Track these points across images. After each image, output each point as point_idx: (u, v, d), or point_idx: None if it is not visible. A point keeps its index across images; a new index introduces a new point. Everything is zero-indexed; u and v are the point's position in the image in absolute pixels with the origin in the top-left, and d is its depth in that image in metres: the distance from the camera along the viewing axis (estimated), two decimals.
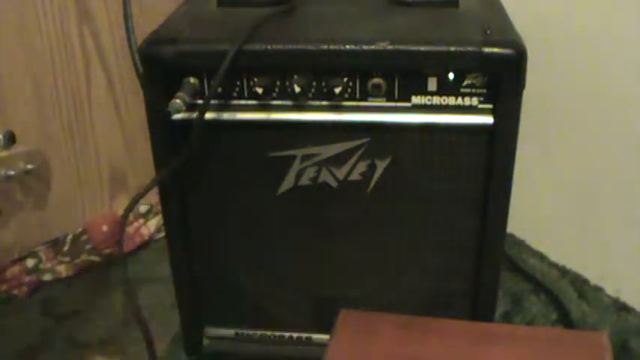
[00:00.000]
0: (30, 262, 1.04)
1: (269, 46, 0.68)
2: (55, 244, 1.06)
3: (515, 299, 0.99)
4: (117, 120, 1.09)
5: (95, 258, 1.09)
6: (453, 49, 0.66)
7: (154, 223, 1.14)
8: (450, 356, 0.65)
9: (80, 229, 1.09)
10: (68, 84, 1.02)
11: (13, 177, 0.76)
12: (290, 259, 0.80)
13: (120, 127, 1.09)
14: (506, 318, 0.96)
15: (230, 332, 0.86)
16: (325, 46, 0.67)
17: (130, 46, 0.71)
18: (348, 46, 0.67)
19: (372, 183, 0.74)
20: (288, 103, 0.71)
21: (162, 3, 1.02)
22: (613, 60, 0.90)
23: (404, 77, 0.69)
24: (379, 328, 0.68)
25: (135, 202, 0.71)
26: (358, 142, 0.72)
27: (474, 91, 0.69)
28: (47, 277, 1.05)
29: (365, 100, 0.70)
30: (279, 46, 0.68)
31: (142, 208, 1.14)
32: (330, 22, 0.73)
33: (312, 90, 0.70)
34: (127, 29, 0.71)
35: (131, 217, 1.11)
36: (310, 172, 0.74)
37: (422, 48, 0.66)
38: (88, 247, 1.08)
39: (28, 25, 0.95)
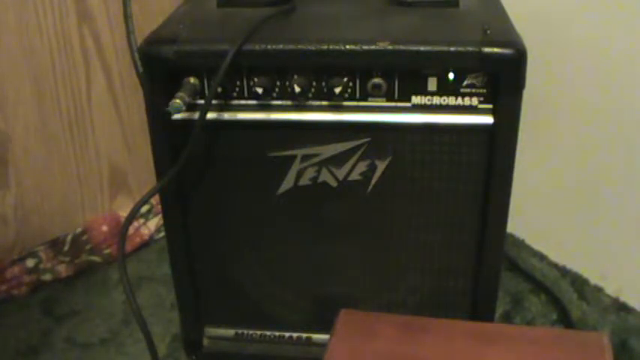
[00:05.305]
0: (30, 262, 1.04)
1: (269, 46, 0.68)
2: (55, 244, 1.06)
3: (515, 299, 0.99)
4: (117, 120, 1.09)
5: (95, 258, 1.09)
6: (453, 49, 0.66)
7: (154, 223, 1.14)
8: (450, 356, 0.65)
9: (80, 229, 1.09)
10: (68, 84, 1.02)
11: None
12: (290, 259, 0.80)
13: (120, 127, 1.09)
14: (506, 318, 0.96)
15: (230, 332, 0.86)
16: (325, 46, 0.67)
17: (130, 46, 0.71)
18: (348, 46, 0.67)
19: (372, 183, 0.74)
20: (288, 103, 0.71)
21: (162, 3, 1.02)
22: (613, 59, 0.90)
23: (404, 77, 0.69)
24: (379, 328, 0.68)
25: (137, 209, 0.71)
26: (358, 142, 0.72)
27: (474, 91, 0.69)
28: (47, 277, 1.05)
29: (365, 100, 0.70)
30: (279, 46, 0.68)
31: (142, 208, 1.14)
32: (330, 22, 0.73)
33: (312, 90, 0.70)
34: (127, 29, 0.71)
35: None
36: (310, 172, 0.74)
37: (422, 48, 0.66)
38: (88, 247, 1.08)
39: (28, 25, 0.95)
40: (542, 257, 1.07)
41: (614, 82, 0.91)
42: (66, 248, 1.07)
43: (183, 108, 0.67)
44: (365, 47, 0.67)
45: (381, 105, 0.70)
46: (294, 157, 0.73)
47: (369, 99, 0.70)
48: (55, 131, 1.03)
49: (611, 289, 0.99)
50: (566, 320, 0.94)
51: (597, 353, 0.64)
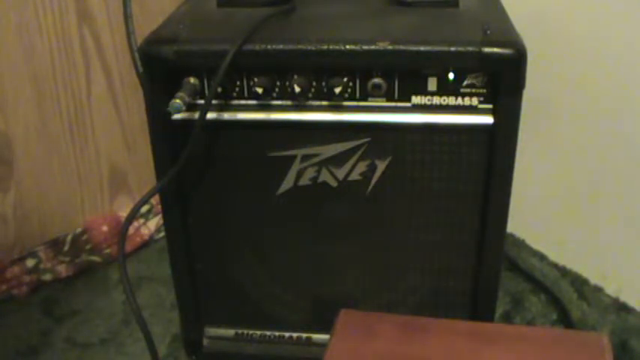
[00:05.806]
0: (30, 262, 1.04)
1: (269, 46, 0.68)
2: (55, 244, 1.06)
3: (515, 299, 0.99)
4: (117, 120, 1.09)
5: (95, 258, 1.09)
6: (453, 49, 0.66)
7: (154, 223, 1.14)
8: (450, 356, 0.65)
9: (80, 229, 1.09)
10: (68, 84, 1.02)
11: None
12: (290, 259, 0.80)
13: (120, 127, 1.09)
14: (506, 318, 0.96)
15: (230, 332, 0.86)
16: (325, 46, 0.67)
17: (130, 46, 0.71)
18: (348, 46, 0.67)
19: (372, 183, 0.74)
20: (288, 103, 0.71)
21: (162, 3, 1.02)
22: (613, 60, 0.90)
23: (404, 77, 0.69)
24: (379, 328, 0.68)
25: (137, 209, 0.71)
26: (358, 142, 0.72)
27: (474, 91, 0.69)
28: (47, 277, 1.05)
29: (365, 100, 0.70)
30: (279, 46, 0.68)
31: (142, 208, 1.14)
32: (330, 22, 0.73)
33: (312, 90, 0.70)
34: (127, 29, 0.71)
35: None
36: (310, 172, 0.74)
37: (422, 48, 0.66)
38: (88, 247, 1.08)
39: (28, 25, 0.95)
40: (542, 257, 1.07)
41: (614, 82, 0.91)
42: (66, 248, 1.07)
43: (183, 108, 0.67)
44: (365, 47, 0.67)
45: (381, 105, 0.70)
46: (294, 157, 0.73)
47: (369, 99, 0.70)
48: (55, 131, 1.03)
49: (611, 289, 0.99)
50: (566, 320, 0.94)
51: (597, 353, 0.64)
